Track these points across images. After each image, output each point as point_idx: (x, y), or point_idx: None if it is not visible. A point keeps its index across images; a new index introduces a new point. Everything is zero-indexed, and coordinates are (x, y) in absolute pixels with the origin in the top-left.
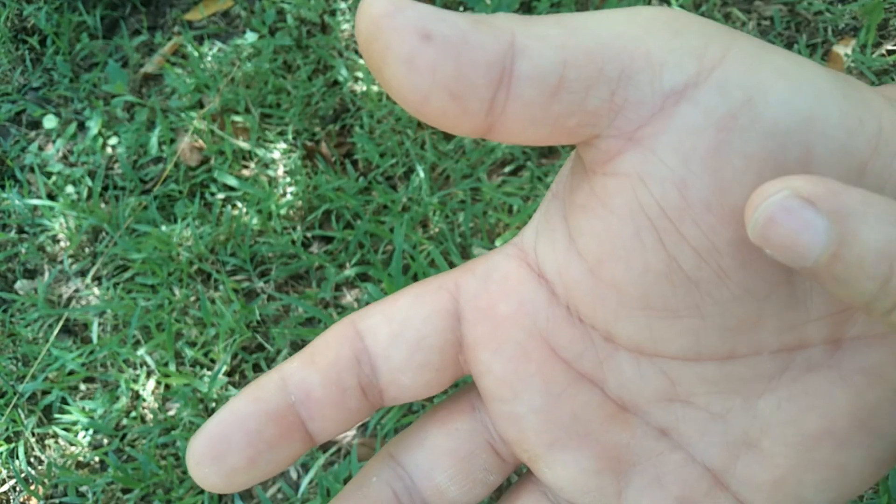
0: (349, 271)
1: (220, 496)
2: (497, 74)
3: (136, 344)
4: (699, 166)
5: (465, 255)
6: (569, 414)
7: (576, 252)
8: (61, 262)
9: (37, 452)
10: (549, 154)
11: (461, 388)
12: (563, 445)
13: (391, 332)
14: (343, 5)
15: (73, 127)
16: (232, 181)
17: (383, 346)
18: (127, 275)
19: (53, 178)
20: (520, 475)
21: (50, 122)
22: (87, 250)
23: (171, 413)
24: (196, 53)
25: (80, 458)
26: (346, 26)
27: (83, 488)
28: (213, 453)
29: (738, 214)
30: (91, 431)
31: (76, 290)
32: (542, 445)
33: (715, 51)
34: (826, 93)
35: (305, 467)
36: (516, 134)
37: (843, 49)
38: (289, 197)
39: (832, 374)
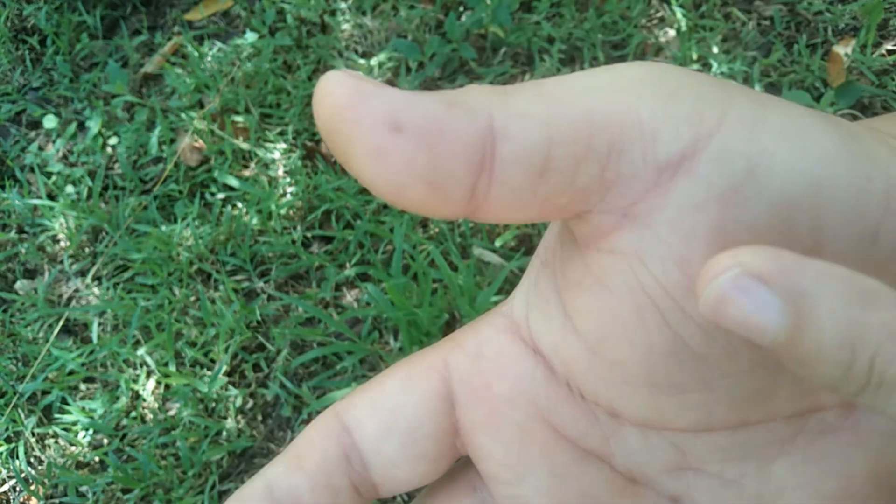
0: (349, 271)
1: (220, 496)
2: (477, 161)
3: (136, 344)
4: (702, 243)
5: (465, 254)
6: (577, 492)
7: (573, 329)
8: (61, 262)
9: (37, 452)
10: None
11: (458, 466)
12: None
13: (381, 424)
14: (343, 5)
15: (73, 127)
16: (232, 181)
17: (373, 439)
18: (127, 275)
19: (53, 178)
20: None
21: (50, 122)
22: (87, 250)
23: (171, 413)
24: (196, 53)
25: (80, 458)
26: (346, 26)
27: (83, 488)
28: None
29: None
30: (91, 431)
31: (76, 290)
32: None
33: (711, 115)
34: (832, 152)
35: None
36: (504, 215)
37: (843, 49)
38: (289, 197)
39: (848, 436)
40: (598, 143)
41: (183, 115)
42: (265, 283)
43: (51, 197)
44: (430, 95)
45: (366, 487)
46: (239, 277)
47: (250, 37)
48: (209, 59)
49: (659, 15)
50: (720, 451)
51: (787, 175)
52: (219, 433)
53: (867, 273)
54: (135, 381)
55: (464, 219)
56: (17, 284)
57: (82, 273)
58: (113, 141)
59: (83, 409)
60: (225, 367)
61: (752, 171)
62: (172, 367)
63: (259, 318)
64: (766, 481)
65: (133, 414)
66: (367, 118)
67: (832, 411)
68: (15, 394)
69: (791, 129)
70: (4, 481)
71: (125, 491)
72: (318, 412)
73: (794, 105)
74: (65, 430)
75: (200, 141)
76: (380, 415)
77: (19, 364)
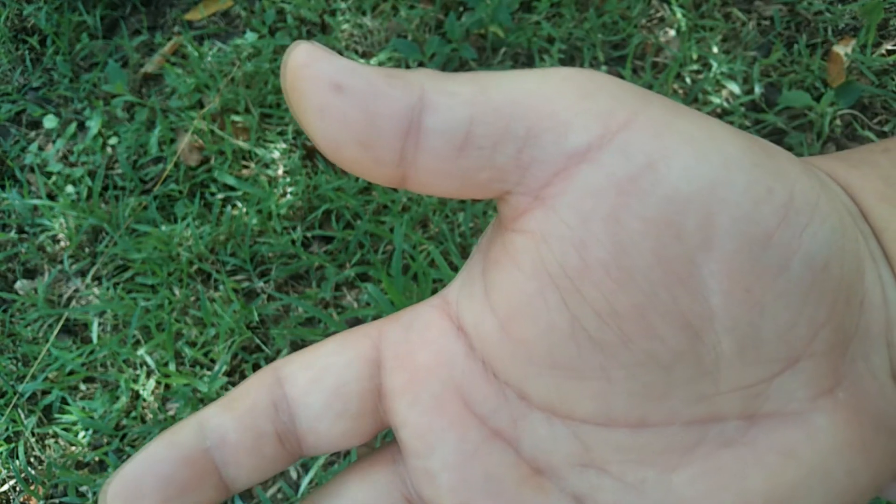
0: (349, 271)
1: None
2: (405, 126)
3: (136, 344)
4: (598, 228)
5: (465, 254)
6: (482, 473)
7: (489, 306)
8: (61, 262)
9: (37, 452)
10: None
11: (386, 442)
12: None
13: (310, 378)
14: (343, 5)
15: (73, 127)
16: (232, 181)
17: (301, 392)
18: (127, 275)
19: (53, 178)
20: None
21: (50, 122)
22: (87, 250)
23: (171, 413)
24: (196, 53)
25: (80, 458)
26: (346, 26)
27: (83, 488)
28: (124, 497)
29: (637, 279)
30: (91, 431)
31: (76, 290)
32: None
33: (621, 115)
34: (734, 161)
35: (305, 467)
36: (430, 185)
37: (843, 49)
38: (289, 197)
39: (746, 451)
40: (516, 127)
41: (183, 115)
42: (265, 283)
43: (51, 197)
44: (373, 67)
45: (290, 440)
46: (239, 277)
47: (250, 37)
48: (209, 59)
49: (659, 15)
50: (621, 450)
51: (683, 174)
52: None
53: (755, 278)
54: (135, 381)
55: (399, 187)
56: (17, 284)
57: (82, 273)
58: (113, 141)
59: (83, 409)
60: (225, 367)
61: (650, 166)
62: (172, 367)
63: (259, 319)
64: (665, 491)
65: (133, 414)
66: (316, 78)
67: (732, 423)
68: (15, 394)
69: (696, 136)
70: (4, 481)
71: None
72: None
73: (709, 118)
74: (65, 430)
75: (200, 141)
76: (311, 371)
77: (19, 364)
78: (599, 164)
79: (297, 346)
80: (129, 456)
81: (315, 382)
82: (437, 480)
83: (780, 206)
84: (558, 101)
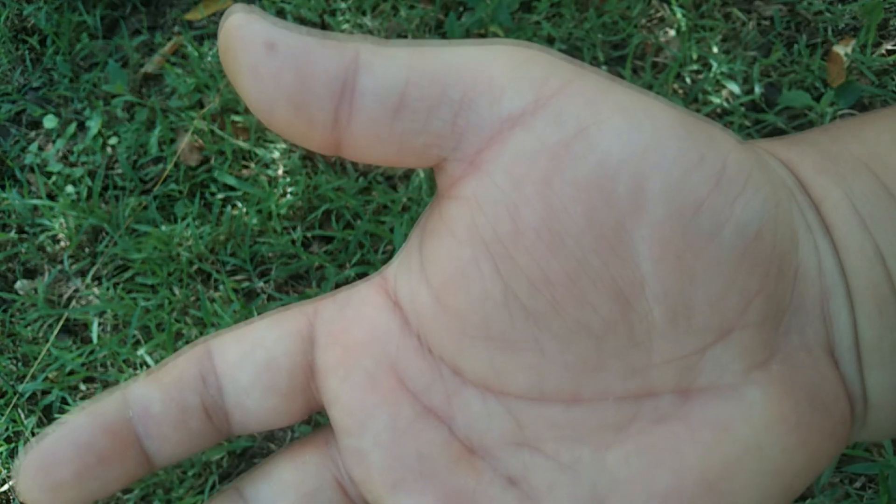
0: (349, 271)
1: (210, 489)
2: (338, 87)
3: (136, 344)
4: (531, 191)
5: None
6: (414, 452)
7: (425, 279)
8: (61, 262)
9: None
10: None
11: (321, 426)
12: (407, 488)
13: (240, 352)
14: (343, 5)
15: (73, 127)
16: (232, 181)
17: (230, 365)
18: (127, 275)
19: (53, 178)
20: None
21: (50, 122)
22: (87, 250)
23: None
24: (196, 53)
25: None
26: (346, 26)
27: None
28: (39, 465)
29: (568, 244)
30: None
31: (76, 290)
32: (386, 486)
33: (555, 82)
34: (665, 129)
35: None
36: (365, 151)
37: (843, 49)
38: (289, 197)
39: (680, 427)
40: (451, 92)
41: (183, 115)
42: (265, 283)
43: (51, 197)
44: (310, 29)
45: (217, 415)
46: (239, 277)
47: None
48: (209, 59)
49: (659, 15)
50: (555, 427)
51: (614, 140)
52: None
53: (685, 245)
54: None
55: (334, 153)
56: (17, 284)
57: (82, 273)
58: (113, 141)
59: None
60: None
61: (582, 132)
62: None
63: None
64: (600, 470)
65: None
66: (249, 38)
67: (666, 398)
68: (15, 394)
69: (629, 105)
70: (4, 481)
71: (125, 491)
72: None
73: (644, 91)
74: None
75: (200, 141)
76: (241, 344)
77: (19, 364)
78: (532, 129)
79: None
80: None
81: (245, 356)
82: (367, 459)
83: (711, 174)
84: (494, 68)
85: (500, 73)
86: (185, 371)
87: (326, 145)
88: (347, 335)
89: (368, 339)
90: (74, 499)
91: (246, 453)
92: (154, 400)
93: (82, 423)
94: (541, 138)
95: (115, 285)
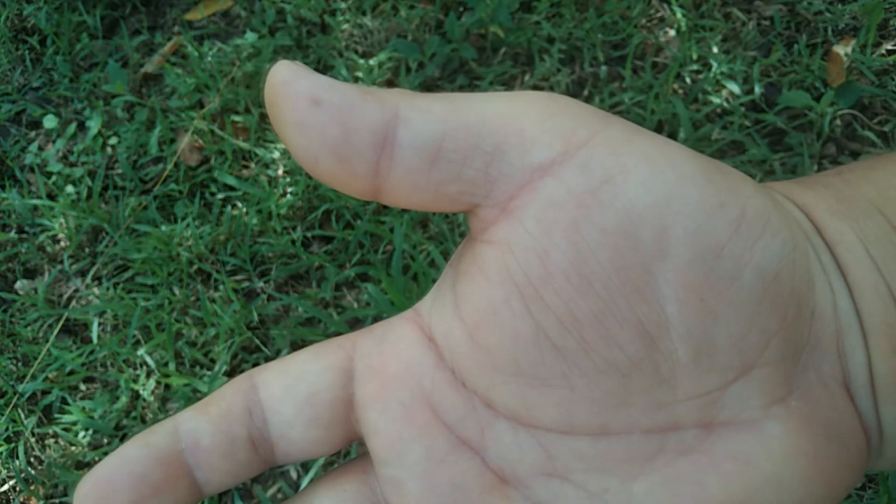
0: (349, 271)
1: (221, 496)
2: (380, 140)
3: (136, 344)
4: (559, 237)
5: None
6: (448, 481)
7: (459, 316)
8: (61, 262)
9: (37, 452)
10: None
11: (359, 454)
12: None
13: (284, 385)
14: (343, 5)
15: (73, 127)
16: (232, 181)
17: (275, 398)
18: (127, 275)
19: (53, 178)
20: None
21: (50, 122)
22: (87, 250)
23: (171, 413)
24: (196, 53)
25: (80, 458)
26: (345, 26)
27: None
28: (97, 495)
29: (596, 287)
30: (91, 431)
31: (76, 290)
32: None
33: (583, 133)
34: (688, 177)
35: (306, 467)
36: (403, 197)
37: (843, 49)
38: (289, 197)
39: (703, 459)
40: (484, 143)
41: (183, 115)
42: (265, 283)
43: (51, 197)
44: (350, 84)
45: (263, 445)
46: (239, 277)
47: (250, 37)
48: (209, 59)
49: (659, 15)
50: (584, 459)
51: (639, 187)
52: None
53: (708, 288)
54: (135, 381)
55: (373, 200)
56: (17, 284)
57: (82, 273)
58: (113, 141)
59: (83, 409)
60: (225, 368)
61: (608, 181)
62: (172, 367)
63: (259, 319)
64: (627, 500)
65: (133, 414)
66: (295, 93)
67: (690, 432)
68: (15, 394)
69: (652, 153)
70: (4, 481)
71: None
72: None
73: (667, 140)
74: (65, 430)
75: (200, 141)
76: (285, 378)
77: (19, 364)
78: (561, 178)
79: (296, 346)
80: None
81: (288, 389)
82: (404, 488)
83: (732, 219)
84: (524, 120)
85: (530, 124)
86: (232, 404)
87: (367, 192)
88: (385, 369)
89: (405, 373)
90: None
91: None
92: (204, 432)
93: (136, 454)
94: (569, 187)
95: (115, 285)
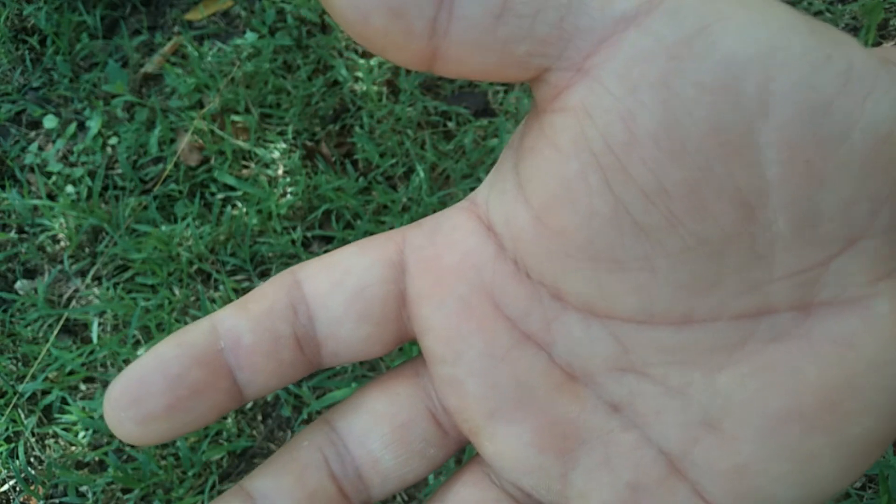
0: None
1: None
2: None
3: (136, 344)
4: (647, 96)
5: None
6: (512, 380)
7: (523, 199)
8: (61, 262)
9: (37, 452)
10: None
11: (409, 358)
12: (505, 416)
13: (331, 280)
14: None
15: (73, 127)
16: (232, 181)
17: (322, 294)
18: (127, 275)
19: (53, 178)
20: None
21: (50, 122)
22: (87, 250)
23: None
24: (196, 53)
25: (80, 458)
26: None
27: (83, 488)
28: (129, 397)
29: (690, 151)
30: (91, 431)
31: (76, 290)
32: (482, 415)
33: None
34: (790, 26)
35: None
36: (463, 61)
37: None
38: (289, 197)
39: (801, 344)
40: None
41: (183, 115)
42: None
43: (51, 197)
44: None
45: (309, 345)
46: (239, 277)
47: (250, 37)
48: (209, 59)
49: None
50: (664, 351)
51: (739, 36)
52: (219, 433)
53: (814, 148)
54: None
55: (427, 69)
56: (17, 284)
57: (82, 273)
58: (113, 141)
59: (83, 409)
60: None
61: (703, 29)
62: None
63: None
64: (712, 394)
65: None
66: None
67: (786, 315)
68: (15, 394)
69: (751, 2)
70: (4, 481)
71: (125, 491)
72: (319, 412)
73: None
74: (65, 430)
75: (200, 141)
76: (331, 272)
77: (19, 364)
78: (648, 28)
79: None
80: (129, 456)
81: (336, 284)
82: (463, 388)
83: (839, 72)
84: None
85: None
86: (275, 301)
87: (421, 58)
88: (440, 262)
89: (462, 266)
90: (165, 432)
91: (246, 453)
92: (245, 330)
93: (173, 353)
94: (658, 37)
95: (115, 285)
